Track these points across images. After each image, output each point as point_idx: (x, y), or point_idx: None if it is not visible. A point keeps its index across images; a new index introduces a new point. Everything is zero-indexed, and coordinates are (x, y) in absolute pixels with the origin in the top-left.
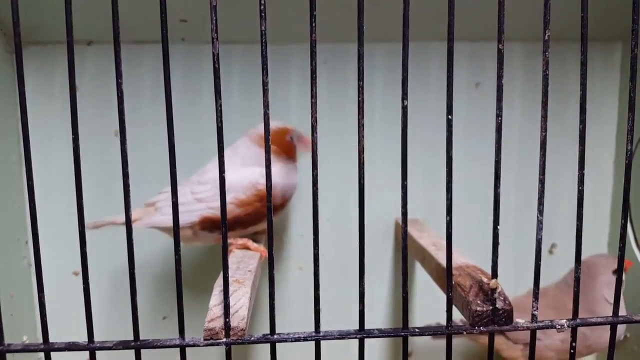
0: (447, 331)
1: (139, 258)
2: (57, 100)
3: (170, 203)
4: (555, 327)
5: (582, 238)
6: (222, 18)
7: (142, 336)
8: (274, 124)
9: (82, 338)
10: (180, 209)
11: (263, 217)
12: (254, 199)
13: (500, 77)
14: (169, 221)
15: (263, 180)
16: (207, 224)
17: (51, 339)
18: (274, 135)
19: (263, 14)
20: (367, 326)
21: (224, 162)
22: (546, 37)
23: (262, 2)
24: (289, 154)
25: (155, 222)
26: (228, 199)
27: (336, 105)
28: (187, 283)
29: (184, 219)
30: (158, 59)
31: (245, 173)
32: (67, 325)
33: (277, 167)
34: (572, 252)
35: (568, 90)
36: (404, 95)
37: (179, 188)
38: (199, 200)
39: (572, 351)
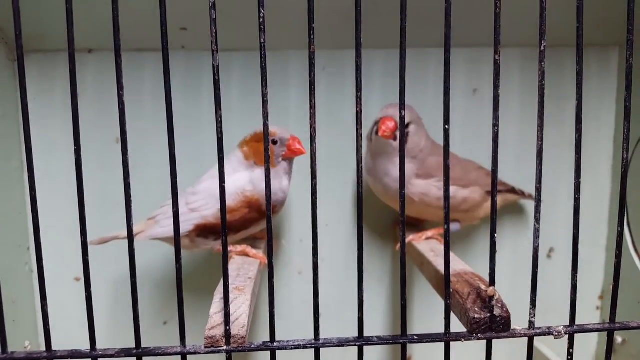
0: (445, 338)
1: (141, 263)
2: (58, 107)
3: (168, 215)
4: (552, 334)
5: (578, 245)
6: (222, 26)
7: (143, 341)
8: (257, 129)
9: (84, 342)
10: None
11: (252, 222)
12: (241, 206)
13: (496, 87)
14: (167, 232)
15: (250, 187)
16: (201, 231)
17: (53, 345)
18: (252, 140)
19: (262, 27)
20: (366, 332)
21: (224, 172)
22: (542, 48)
23: (261, 14)
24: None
25: (155, 234)
26: (215, 209)
27: (335, 111)
28: (189, 288)
29: (180, 229)
30: (158, 66)
31: (232, 180)
32: (69, 331)
33: (257, 174)
34: (570, 256)
35: (566, 96)
36: (401, 106)
37: None
38: (193, 210)
39: (569, 358)
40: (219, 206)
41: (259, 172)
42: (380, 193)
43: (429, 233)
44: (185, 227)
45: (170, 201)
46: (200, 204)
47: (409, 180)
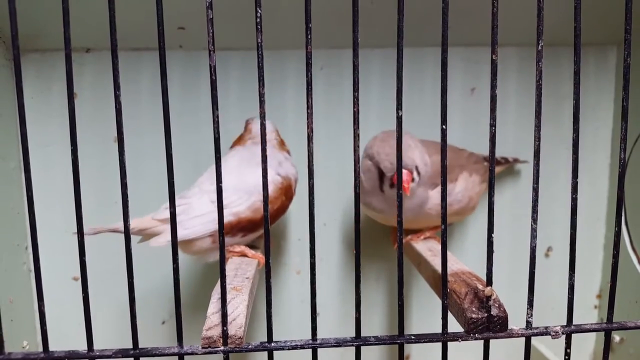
0: (442, 338)
1: (139, 262)
2: (56, 107)
3: (191, 215)
4: (550, 334)
5: (576, 245)
6: (220, 25)
7: (141, 340)
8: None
9: (83, 342)
10: (203, 219)
11: (283, 211)
12: (280, 193)
13: (493, 87)
14: (191, 234)
15: (284, 174)
16: (228, 229)
17: (52, 344)
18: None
19: (259, 27)
20: (364, 332)
21: (221, 173)
22: (539, 47)
23: (259, 14)
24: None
25: (180, 237)
26: (255, 198)
27: (333, 111)
28: (188, 288)
29: (207, 228)
30: (156, 66)
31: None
32: (68, 331)
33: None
34: (568, 255)
35: (563, 95)
36: (399, 106)
37: (196, 197)
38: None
39: (567, 358)
40: (253, 199)
41: (281, 157)
42: (389, 220)
43: (427, 233)
44: (213, 226)
45: (184, 199)
46: (230, 200)
47: (427, 201)
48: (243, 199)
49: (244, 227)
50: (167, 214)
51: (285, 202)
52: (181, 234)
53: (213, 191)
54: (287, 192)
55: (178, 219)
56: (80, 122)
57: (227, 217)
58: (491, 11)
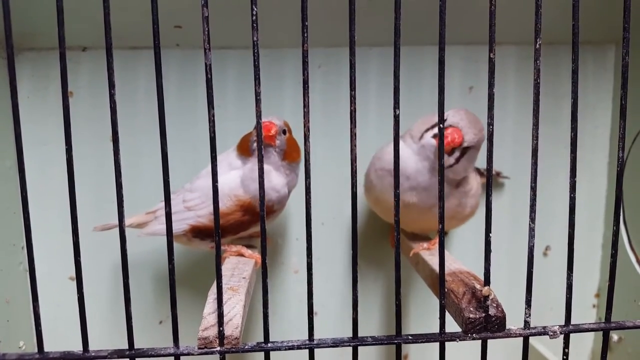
0: (440, 338)
1: (137, 261)
2: (53, 105)
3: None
4: (548, 334)
5: (574, 244)
6: (217, 24)
7: (138, 340)
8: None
9: (80, 342)
10: (173, 217)
11: (249, 225)
12: (235, 209)
13: (491, 85)
14: (163, 230)
15: (241, 190)
16: (197, 233)
17: (48, 344)
18: (246, 136)
19: (255, 25)
20: (362, 332)
21: (217, 172)
22: (537, 46)
23: (254, 12)
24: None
25: (155, 231)
26: (209, 209)
27: (331, 109)
28: (185, 287)
29: (176, 227)
30: (154, 64)
31: (225, 180)
32: (65, 331)
33: (247, 171)
34: (566, 254)
35: (562, 93)
36: (396, 104)
37: (174, 196)
38: (189, 208)
39: (565, 357)
40: (210, 209)
41: (249, 169)
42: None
43: (433, 245)
44: (181, 226)
45: (172, 195)
46: (195, 203)
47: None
48: (205, 204)
49: (205, 233)
50: (156, 207)
51: (245, 218)
52: (156, 228)
53: (189, 190)
54: (249, 209)
55: (158, 213)
56: (78, 121)
57: (192, 220)
58: (489, 9)
